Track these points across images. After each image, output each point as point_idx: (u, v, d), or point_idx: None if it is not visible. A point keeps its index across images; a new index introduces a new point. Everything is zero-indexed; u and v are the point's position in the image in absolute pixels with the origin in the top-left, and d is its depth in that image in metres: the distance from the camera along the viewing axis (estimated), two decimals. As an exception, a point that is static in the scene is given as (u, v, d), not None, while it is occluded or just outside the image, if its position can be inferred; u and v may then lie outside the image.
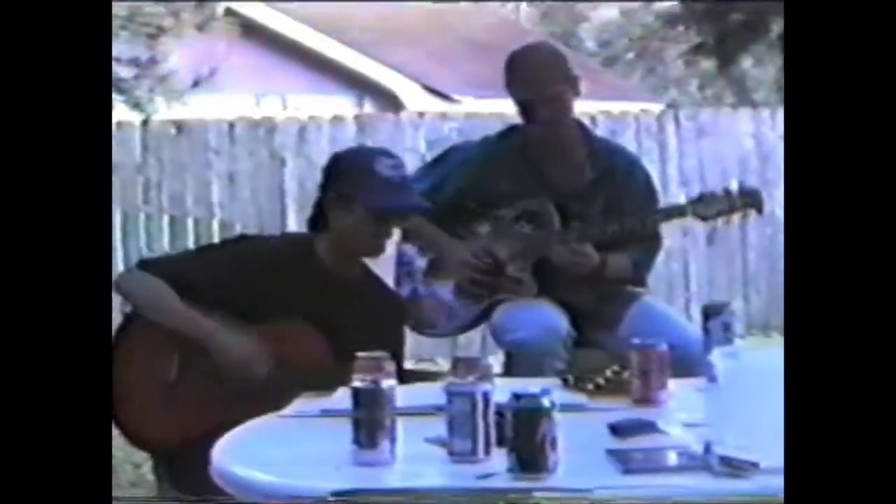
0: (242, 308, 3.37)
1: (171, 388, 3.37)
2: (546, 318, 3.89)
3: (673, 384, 2.96)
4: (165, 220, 8.31)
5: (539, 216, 3.98)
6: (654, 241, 4.14)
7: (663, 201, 4.38)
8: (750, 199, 3.97)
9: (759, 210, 3.98)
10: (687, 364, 3.07)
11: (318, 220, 3.54)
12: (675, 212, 4.08)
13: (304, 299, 3.42)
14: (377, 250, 3.52)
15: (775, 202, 7.10)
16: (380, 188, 3.42)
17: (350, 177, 3.48)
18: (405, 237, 4.11)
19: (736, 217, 3.97)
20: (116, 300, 3.49)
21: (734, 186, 3.99)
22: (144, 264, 3.61)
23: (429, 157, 5.24)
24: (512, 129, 4.12)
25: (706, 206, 3.96)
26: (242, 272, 3.41)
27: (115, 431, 3.35)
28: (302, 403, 2.99)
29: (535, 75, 3.97)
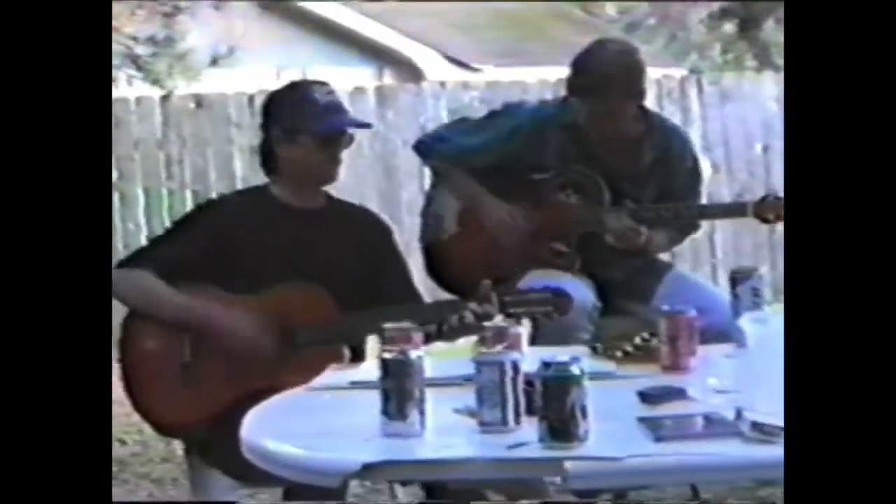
0: (230, 272, 3.37)
1: (187, 369, 3.34)
2: (571, 290, 3.86)
3: (702, 351, 2.94)
4: (188, 194, 8.31)
5: (586, 188, 3.95)
6: (693, 227, 4.20)
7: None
8: None
9: None
10: (717, 331, 3.05)
11: (268, 161, 3.57)
12: (735, 210, 4.07)
13: (282, 242, 3.44)
14: (331, 176, 3.55)
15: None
16: (320, 115, 3.49)
17: (289, 110, 3.53)
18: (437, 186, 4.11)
19: None
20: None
21: None
22: (124, 262, 3.49)
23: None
24: (567, 101, 4.01)
25: (769, 208, 3.88)
26: (216, 238, 3.42)
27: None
28: (330, 375, 2.99)
29: (605, 84, 3.84)
